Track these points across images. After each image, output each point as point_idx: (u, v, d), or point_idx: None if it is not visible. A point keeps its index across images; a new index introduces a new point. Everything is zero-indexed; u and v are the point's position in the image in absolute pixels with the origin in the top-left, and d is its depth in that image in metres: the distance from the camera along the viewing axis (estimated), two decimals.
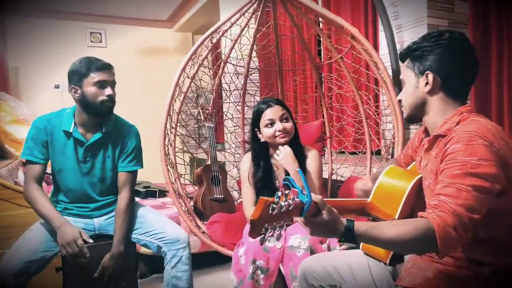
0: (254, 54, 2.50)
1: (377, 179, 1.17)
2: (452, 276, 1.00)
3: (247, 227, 1.79)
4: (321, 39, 2.38)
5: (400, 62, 1.15)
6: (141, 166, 1.74)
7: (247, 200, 1.83)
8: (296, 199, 0.85)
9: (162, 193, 2.96)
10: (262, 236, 0.84)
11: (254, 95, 2.73)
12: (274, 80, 2.69)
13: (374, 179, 1.20)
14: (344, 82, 2.46)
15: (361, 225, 0.90)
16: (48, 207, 1.56)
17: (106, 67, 1.61)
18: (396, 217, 1.07)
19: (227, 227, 1.84)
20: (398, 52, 1.17)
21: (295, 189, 0.87)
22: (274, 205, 0.80)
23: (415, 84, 1.07)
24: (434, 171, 1.02)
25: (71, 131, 1.61)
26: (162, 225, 1.69)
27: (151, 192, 2.78)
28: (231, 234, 1.82)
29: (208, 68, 2.27)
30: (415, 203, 1.14)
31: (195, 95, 2.37)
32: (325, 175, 2.56)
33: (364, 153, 2.38)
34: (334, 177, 2.55)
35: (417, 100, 1.08)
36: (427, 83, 1.05)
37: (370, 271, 1.21)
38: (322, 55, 2.89)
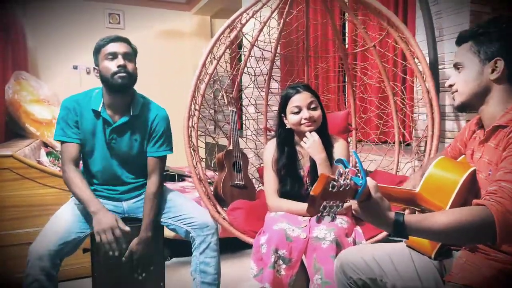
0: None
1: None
2: (509, 274, 0.94)
3: (268, 215, 1.74)
4: (347, 25, 2.28)
5: (457, 47, 1.06)
6: (171, 151, 1.70)
7: (270, 188, 1.78)
8: (351, 181, 0.82)
9: (181, 177, 2.94)
10: (320, 214, 0.81)
11: (279, 81, 2.66)
12: (296, 66, 2.61)
13: (423, 174, 1.13)
14: (374, 71, 2.37)
15: (411, 217, 0.85)
16: (84, 189, 1.54)
17: (117, 39, 1.57)
18: (447, 209, 1.00)
19: (248, 214, 1.80)
20: (458, 34, 1.07)
21: (353, 169, 0.84)
22: (335, 183, 0.78)
23: (479, 70, 1.00)
24: (495, 162, 0.96)
25: (99, 110, 1.58)
26: (191, 210, 1.67)
27: (170, 176, 2.76)
28: (252, 222, 1.77)
29: (236, 51, 2.20)
30: (467, 197, 1.07)
31: (219, 78, 2.31)
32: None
33: (391, 144, 2.29)
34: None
35: (479, 88, 1.01)
36: (493, 70, 0.98)
37: (414, 264, 1.15)
38: (347, 43, 2.79)
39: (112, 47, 1.55)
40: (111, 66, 1.54)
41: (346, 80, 2.68)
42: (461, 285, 0.98)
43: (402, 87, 2.21)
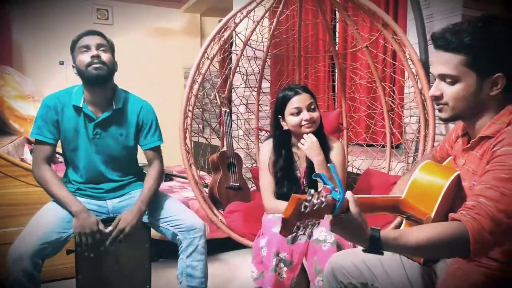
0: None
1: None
2: (499, 280, 0.95)
3: (265, 217, 1.73)
4: (337, 25, 2.28)
5: (441, 52, 0.96)
6: (162, 141, 1.71)
7: (266, 189, 1.76)
8: (328, 196, 0.81)
9: (169, 177, 2.89)
10: (294, 234, 0.79)
11: (270, 81, 2.65)
12: (286, 66, 2.60)
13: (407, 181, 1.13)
14: (365, 72, 2.39)
15: (388, 234, 0.84)
16: (62, 189, 1.50)
17: (90, 33, 1.56)
18: (432, 215, 1.00)
19: (246, 216, 1.78)
20: (440, 42, 0.96)
21: (327, 186, 0.83)
22: (307, 203, 0.76)
23: (477, 86, 0.92)
24: (479, 173, 0.95)
25: (81, 106, 1.55)
26: (178, 212, 1.63)
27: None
28: (250, 224, 1.76)
29: (229, 51, 2.17)
30: (455, 202, 1.07)
31: (211, 78, 2.27)
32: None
33: (382, 146, 2.33)
34: (349, 169, 2.49)
35: (476, 104, 0.95)
36: (493, 86, 0.92)
37: (405, 270, 1.15)
38: (338, 43, 2.81)
39: (84, 40, 1.54)
40: (85, 58, 1.51)
41: (336, 80, 2.70)
42: None
43: (393, 87, 2.23)
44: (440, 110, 1.01)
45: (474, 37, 0.90)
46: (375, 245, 0.83)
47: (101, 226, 1.49)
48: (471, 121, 1.00)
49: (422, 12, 1.97)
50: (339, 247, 1.50)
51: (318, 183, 1.68)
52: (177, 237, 1.60)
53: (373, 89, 2.39)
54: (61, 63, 4.04)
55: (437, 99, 0.99)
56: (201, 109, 2.38)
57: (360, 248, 1.50)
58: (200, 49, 1.86)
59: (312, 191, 0.78)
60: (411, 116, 2.15)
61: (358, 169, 2.46)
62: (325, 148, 1.76)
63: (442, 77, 0.97)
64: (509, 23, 0.91)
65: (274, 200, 1.75)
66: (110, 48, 1.60)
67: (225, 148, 2.16)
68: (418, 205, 1.05)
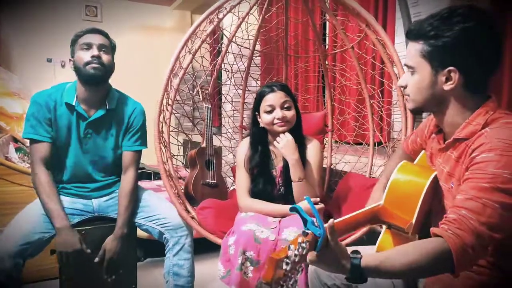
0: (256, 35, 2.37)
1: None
2: (481, 282, 0.93)
3: (238, 215, 1.70)
4: (327, 25, 2.25)
5: (408, 41, 0.94)
6: (146, 146, 1.67)
7: (241, 187, 1.74)
8: (308, 238, 0.76)
9: (158, 175, 2.86)
10: None
11: (257, 80, 2.61)
12: (276, 65, 2.57)
13: (384, 186, 1.10)
14: (351, 74, 2.36)
15: (369, 261, 0.80)
16: (52, 200, 1.47)
17: (95, 31, 1.54)
18: (413, 221, 0.98)
19: (218, 214, 1.75)
20: (406, 30, 0.96)
21: (306, 231, 0.78)
22: (288, 260, 0.72)
23: (432, 79, 0.90)
24: (457, 177, 0.92)
25: (73, 104, 1.52)
26: (164, 211, 1.62)
27: (146, 174, 2.67)
28: (222, 222, 1.73)
29: (213, 46, 2.15)
30: (433, 203, 1.06)
31: (195, 73, 2.25)
32: (324, 167, 2.47)
33: (367, 145, 2.29)
34: (333, 168, 2.46)
35: (433, 97, 0.92)
36: (447, 79, 0.89)
37: None
38: (328, 43, 2.78)
39: (87, 38, 1.51)
40: (85, 56, 1.49)
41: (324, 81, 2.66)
42: None
43: (378, 90, 2.20)
44: (407, 100, 1.00)
45: (433, 27, 0.88)
46: (357, 273, 0.80)
47: (84, 247, 1.48)
48: (438, 115, 0.97)
49: (410, 11, 1.94)
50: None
51: (292, 183, 1.65)
52: (164, 235, 1.59)
53: (359, 91, 2.35)
54: (49, 60, 4.00)
55: (404, 89, 0.98)
56: (192, 106, 2.35)
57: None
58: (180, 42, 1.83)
59: (292, 246, 0.74)
60: (394, 118, 2.12)
61: (341, 171, 2.43)
62: (301, 147, 1.74)
63: (406, 67, 0.96)
64: (476, 16, 0.86)
65: (249, 199, 1.73)
66: (112, 49, 1.58)
67: (204, 144, 2.13)
68: (398, 211, 1.03)
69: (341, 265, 0.80)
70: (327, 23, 2.69)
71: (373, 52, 2.23)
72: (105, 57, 1.52)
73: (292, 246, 0.74)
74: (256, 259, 1.47)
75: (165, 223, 1.59)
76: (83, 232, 1.53)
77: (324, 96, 2.87)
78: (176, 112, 2.04)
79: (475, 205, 0.80)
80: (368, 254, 0.82)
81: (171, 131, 1.98)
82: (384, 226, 1.14)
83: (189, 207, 1.82)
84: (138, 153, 1.65)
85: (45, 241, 1.47)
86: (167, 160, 1.89)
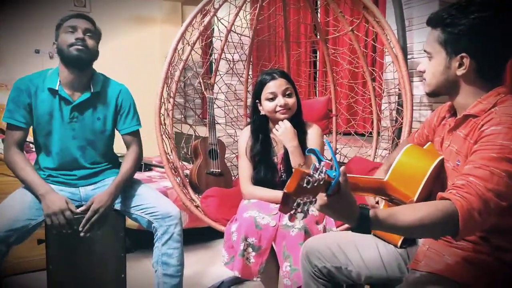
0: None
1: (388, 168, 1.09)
2: (473, 261, 0.94)
3: (243, 203, 1.73)
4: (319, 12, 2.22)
5: (429, 28, 0.99)
6: (141, 125, 1.69)
7: (244, 175, 1.76)
8: (327, 172, 0.77)
9: (148, 167, 2.87)
10: (293, 211, 0.75)
11: (259, 68, 2.61)
12: (273, 53, 2.56)
13: (390, 164, 1.11)
14: (348, 58, 2.33)
15: (378, 213, 0.82)
16: (31, 172, 1.47)
17: (80, 16, 1.54)
18: (415, 198, 0.99)
19: (221, 202, 1.78)
20: (427, 19, 1.00)
21: (327, 161, 0.78)
22: (310, 178, 0.72)
23: (446, 63, 0.95)
24: (464, 153, 0.94)
25: (56, 88, 1.51)
26: (153, 200, 1.60)
27: (142, 165, 2.70)
28: (225, 210, 1.76)
29: (212, 36, 2.15)
30: (435, 185, 1.06)
31: (196, 64, 2.26)
32: (328, 154, 2.48)
33: (369, 133, 2.28)
34: (337, 157, 2.46)
35: (447, 82, 0.97)
36: (460, 65, 0.93)
37: (379, 253, 1.15)
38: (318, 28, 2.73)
39: (73, 21, 1.51)
40: (69, 38, 1.49)
41: (317, 67, 2.62)
42: (425, 273, 0.97)
43: (379, 73, 2.18)
44: (424, 84, 1.05)
45: (450, 15, 0.92)
46: (364, 224, 0.81)
47: (71, 205, 1.46)
48: (452, 98, 1.02)
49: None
50: (307, 233, 1.49)
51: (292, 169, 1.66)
52: (152, 224, 1.57)
53: (354, 74, 2.32)
54: (37, 51, 3.87)
55: (423, 74, 1.03)
56: (200, 96, 2.35)
57: (335, 232, 1.49)
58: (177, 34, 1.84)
59: (316, 164, 0.75)
60: (390, 103, 2.09)
61: (345, 156, 2.42)
62: (302, 134, 1.74)
63: (425, 53, 1.01)
64: (494, 6, 0.89)
65: (251, 186, 1.74)
66: (97, 36, 1.58)
67: (207, 134, 2.16)
68: (400, 188, 1.04)
69: (350, 212, 0.81)
70: (319, 9, 2.65)
71: (366, 35, 2.19)
72: (89, 41, 1.52)
73: (316, 165, 0.75)
74: (257, 245, 1.50)
75: (154, 212, 1.57)
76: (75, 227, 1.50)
77: (315, 82, 2.84)
78: (178, 103, 2.06)
79: (483, 172, 0.83)
80: (377, 209, 0.85)
81: (174, 122, 2.02)
82: (383, 201, 1.15)
83: (194, 196, 1.86)
84: (137, 133, 1.67)
85: (30, 228, 1.45)
86: (171, 151, 1.93)
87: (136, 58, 4.25)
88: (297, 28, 2.83)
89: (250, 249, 1.50)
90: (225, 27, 2.27)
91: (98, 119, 1.58)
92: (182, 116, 2.31)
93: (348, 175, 0.87)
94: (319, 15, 2.71)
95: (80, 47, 1.48)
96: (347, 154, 2.41)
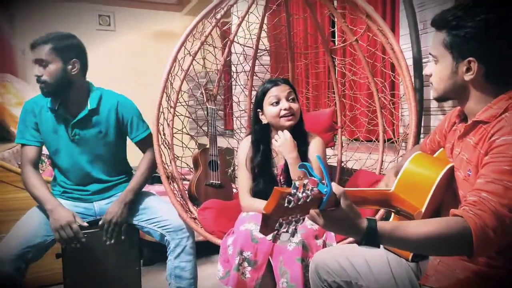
0: (264, 34, 2.35)
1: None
2: (485, 276, 0.88)
3: (241, 216, 1.68)
4: (335, 19, 2.20)
5: (434, 31, 0.95)
6: (149, 130, 1.73)
7: (243, 187, 1.72)
8: (315, 189, 0.74)
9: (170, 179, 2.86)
10: (276, 232, 0.73)
11: (263, 79, 2.59)
12: (285, 63, 2.54)
13: (397, 172, 1.07)
14: (358, 67, 2.28)
15: (385, 225, 0.78)
16: (40, 188, 1.51)
17: (34, 45, 1.47)
18: (423, 210, 0.94)
19: (218, 214, 1.73)
20: (431, 20, 0.97)
21: (313, 178, 0.76)
22: (291, 197, 0.70)
23: (452, 68, 0.91)
24: (474, 163, 0.89)
25: (56, 108, 1.56)
26: (165, 213, 1.62)
27: (158, 178, 2.68)
28: (222, 222, 1.71)
29: (213, 46, 2.14)
30: (445, 195, 1.01)
31: (202, 74, 2.25)
32: (334, 164, 2.41)
33: (377, 140, 2.21)
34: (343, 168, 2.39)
35: (455, 87, 0.93)
36: (468, 69, 0.89)
37: (390, 267, 1.10)
38: (336, 38, 2.71)
39: (32, 54, 1.49)
40: (34, 72, 1.49)
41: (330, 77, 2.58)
42: None
43: (386, 83, 2.12)
44: (432, 89, 1.01)
45: (455, 17, 0.88)
46: (371, 237, 0.78)
47: (78, 218, 1.49)
48: (461, 103, 0.97)
49: (413, 2, 1.86)
50: (305, 248, 1.43)
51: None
52: (165, 238, 1.59)
53: (367, 85, 2.27)
54: None
55: (429, 78, 1.00)
56: (202, 107, 2.33)
57: (344, 245, 1.45)
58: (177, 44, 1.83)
59: (297, 183, 0.73)
60: (402, 109, 2.03)
61: (351, 169, 2.35)
62: (304, 145, 1.70)
63: (431, 56, 0.97)
64: (501, 7, 0.85)
65: (250, 198, 1.70)
66: (57, 55, 1.47)
67: (208, 145, 2.13)
68: (408, 199, 0.99)
69: (355, 225, 0.78)
70: (336, 18, 2.63)
71: (378, 45, 2.15)
72: (45, 72, 1.47)
73: (297, 183, 0.72)
74: (253, 259, 1.44)
75: (166, 225, 1.59)
76: (85, 235, 1.55)
77: (334, 92, 2.81)
78: (178, 113, 2.05)
79: (496, 187, 0.79)
80: (384, 221, 0.82)
81: (175, 133, 2.00)
82: (392, 213, 1.10)
83: (192, 208, 1.82)
84: (147, 138, 1.71)
85: (47, 244, 1.49)
86: (170, 162, 1.90)
87: (159, 72, 4.37)
88: (311, 38, 2.81)
89: (245, 264, 1.44)
90: (227, 37, 2.27)
91: (100, 133, 1.61)
92: (200, 127, 2.31)
93: (350, 188, 0.86)
94: (336, 23, 2.68)
95: (39, 84, 1.49)
96: (353, 166, 2.34)
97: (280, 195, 0.70)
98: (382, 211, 1.57)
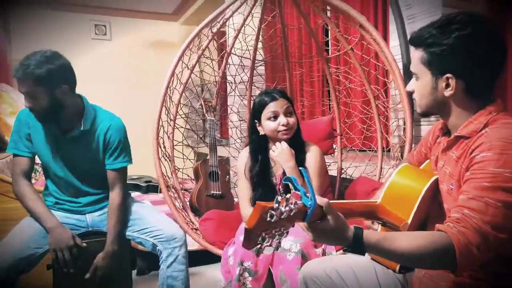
0: (260, 45, 2.39)
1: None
2: (467, 287, 0.89)
3: (242, 226, 1.70)
4: (329, 29, 2.24)
5: (411, 47, 0.98)
6: (129, 162, 1.64)
7: (242, 197, 1.73)
8: (298, 202, 0.75)
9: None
10: (259, 246, 0.74)
11: (261, 89, 2.62)
12: (281, 73, 2.57)
13: None
14: (354, 75, 2.31)
15: (371, 235, 0.80)
16: (39, 205, 1.50)
17: (17, 78, 1.43)
18: (409, 221, 0.96)
19: (219, 224, 1.75)
20: (409, 37, 0.99)
21: (297, 192, 0.78)
22: (273, 211, 0.71)
23: (432, 84, 0.92)
24: (456, 177, 0.90)
25: (48, 124, 1.54)
26: (157, 222, 1.61)
27: (153, 187, 2.72)
28: (223, 233, 1.73)
29: (211, 59, 2.18)
30: (431, 207, 1.03)
31: (200, 87, 2.29)
32: (334, 173, 2.43)
33: (375, 150, 2.23)
34: (343, 176, 2.41)
35: (435, 102, 0.94)
36: (447, 86, 0.90)
37: (377, 278, 1.11)
38: (330, 46, 2.75)
39: (18, 87, 1.46)
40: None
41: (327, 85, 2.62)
42: None
43: (381, 90, 2.14)
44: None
45: (431, 34, 0.90)
46: (357, 245, 0.80)
47: (78, 240, 1.48)
48: (443, 118, 0.99)
49: (402, 13, 1.90)
50: (304, 257, 1.45)
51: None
52: (157, 247, 1.58)
53: (364, 93, 2.30)
54: None
55: (412, 94, 1.01)
56: (201, 119, 2.36)
57: (333, 255, 1.46)
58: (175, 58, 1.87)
59: (279, 198, 0.74)
60: (399, 119, 2.05)
61: (351, 176, 2.37)
62: (301, 154, 1.72)
63: (412, 73, 0.99)
64: (474, 23, 0.87)
65: (250, 208, 1.71)
66: (43, 85, 1.43)
67: (209, 156, 2.16)
68: (394, 210, 1.01)
69: (342, 234, 0.80)
70: (330, 27, 2.67)
71: (373, 52, 2.19)
72: (32, 103, 1.45)
73: (279, 198, 0.73)
74: (253, 270, 1.46)
75: (158, 235, 1.58)
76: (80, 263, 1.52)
77: (330, 100, 2.84)
78: (178, 125, 2.08)
79: (477, 204, 0.79)
80: (371, 231, 0.84)
81: (176, 145, 2.03)
82: (379, 225, 1.11)
83: (193, 219, 1.84)
84: (121, 170, 1.62)
85: (38, 256, 1.48)
86: (171, 174, 1.93)
87: (156, 82, 4.39)
88: (306, 47, 2.85)
89: (246, 274, 1.46)
90: (225, 50, 2.31)
91: (89, 152, 1.59)
92: (200, 137, 2.33)
93: (335, 201, 0.88)
94: (329, 32, 2.73)
95: (33, 112, 1.47)
96: (353, 173, 2.36)
97: (262, 210, 0.71)
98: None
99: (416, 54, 0.94)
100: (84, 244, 1.50)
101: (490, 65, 0.89)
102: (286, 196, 0.75)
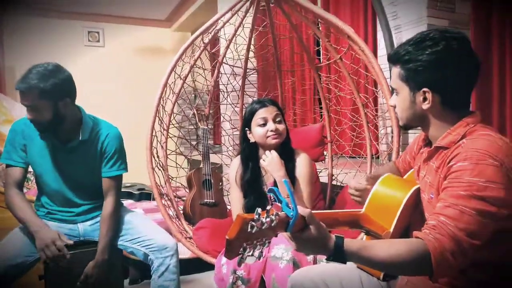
0: (251, 54, 2.43)
1: (372, 180, 1.10)
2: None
3: None
4: (320, 39, 2.29)
5: (390, 65, 1.03)
6: (125, 170, 1.66)
7: (234, 204, 1.76)
8: (280, 213, 0.78)
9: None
10: (240, 256, 0.76)
11: (253, 97, 2.66)
12: (273, 81, 2.61)
13: (370, 179, 1.13)
14: (344, 84, 2.36)
15: (352, 243, 0.83)
16: (25, 210, 1.51)
17: (20, 91, 1.45)
18: (391, 230, 0.99)
19: (213, 233, 1.78)
20: (387, 56, 1.04)
21: (278, 204, 0.80)
22: (254, 223, 0.73)
23: (410, 99, 0.96)
24: (436, 186, 0.94)
25: (46, 134, 1.55)
26: (149, 232, 1.63)
27: (146, 195, 2.73)
28: (217, 241, 1.75)
29: (203, 69, 2.22)
30: (413, 216, 1.06)
31: (192, 95, 2.32)
32: (325, 180, 2.46)
33: (364, 157, 2.28)
34: (334, 182, 2.45)
35: (415, 116, 0.99)
36: (424, 99, 0.94)
37: (362, 286, 1.14)
38: (321, 56, 2.80)
39: (21, 99, 1.48)
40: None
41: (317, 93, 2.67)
42: None
43: (370, 99, 2.20)
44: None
45: (407, 51, 0.94)
46: (338, 254, 0.83)
47: (62, 236, 1.48)
48: (424, 130, 1.03)
49: (389, 24, 1.95)
50: (296, 265, 1.47)
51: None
52: (149, 257, 1.59)
53: (353, 101, 2.35)
54: None
55: (393, 108, 1.06)
56: (193, 127, 2.37)
57: (322, 264, 1.48)
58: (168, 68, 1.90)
59: (260, 210, 0.75)
60: (387, 127, 2.10)
61: (341, 182, 2.41)
62: (290, 162, 1.75)
63: (395, 92, 1.03)
64: (446, 39, 0.91)
65: None
66: (46, 98, 1.45)
67: (202, 165, 2.18)
68: (377, 219, 1.04)
69: (323, 243, 0.83)
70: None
71: (362, 62, 2.24)
72: (33, 115, 1.47)
73: (259, 210, 0.75)
74: (246, 278, 1.48)
75: (150, 245, 1.59)
76: (69, 256, 1.53)
77: (321, 108, 2.89)
78: (171, 134, 2.11)
79: (453, 212, 0.82)
80: (352, 240, 0.86)
81: (169, 154, 2.05)
82: (363, 234, 1.14)
83: (187, 227, 1.86)
84: (117, 178, 1.64)
85: (28, 264, 1.49)
86: (165, 183, 1.96)
87: (149, 88, 4.37)
88: (298, 56, 2.90)
89: (239, 282, 1.49)
90: (217, 59, 2.35)
91: (85, 163, 1.61)
92: (193, 146, 2.34)
93: (319, 211, 0.91)
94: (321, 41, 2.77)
95: (34, 124, 1.49)
96: (343, 180, 2.40)
97: (243, 221, 0.73)
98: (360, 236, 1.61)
99: (395, 71, 0.98)
100: (70, 241, 1.50)
101: (464, 77, 0.93)
102: (267, 208, 0.77)
